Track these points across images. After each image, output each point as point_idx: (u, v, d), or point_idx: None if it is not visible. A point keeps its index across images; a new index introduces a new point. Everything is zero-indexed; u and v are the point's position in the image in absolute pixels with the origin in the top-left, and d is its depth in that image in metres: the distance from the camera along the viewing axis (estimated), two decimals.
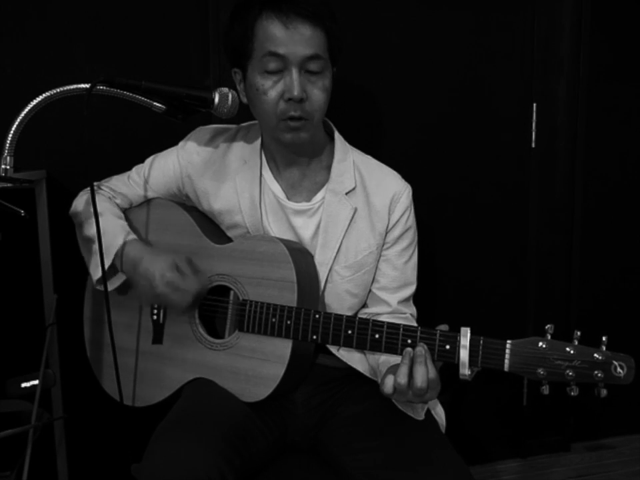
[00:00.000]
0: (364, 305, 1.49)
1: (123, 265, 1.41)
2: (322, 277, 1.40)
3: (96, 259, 1.43)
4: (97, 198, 1.32)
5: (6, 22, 1.77)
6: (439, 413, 1.41)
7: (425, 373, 1.15)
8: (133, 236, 1.43)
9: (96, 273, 1.43)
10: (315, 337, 1.29)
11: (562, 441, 2.40)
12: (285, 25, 1.27)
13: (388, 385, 1.17)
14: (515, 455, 2.36)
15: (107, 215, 1.43)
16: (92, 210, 1.44)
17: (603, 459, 2.35)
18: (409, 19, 2.04)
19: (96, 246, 1.42)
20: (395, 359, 1.26)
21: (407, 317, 1.47)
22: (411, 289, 1.48)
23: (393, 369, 1.20)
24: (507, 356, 1.14)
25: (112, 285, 1.45)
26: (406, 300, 1.48)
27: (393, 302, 1.45)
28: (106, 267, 1.39)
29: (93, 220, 1.42)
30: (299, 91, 1.28)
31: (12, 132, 1.20)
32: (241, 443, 1.26)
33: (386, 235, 1.44)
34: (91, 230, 1.44)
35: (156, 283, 1.34)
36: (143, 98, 1.29)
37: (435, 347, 1.19)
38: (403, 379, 1.16)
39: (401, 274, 1.46)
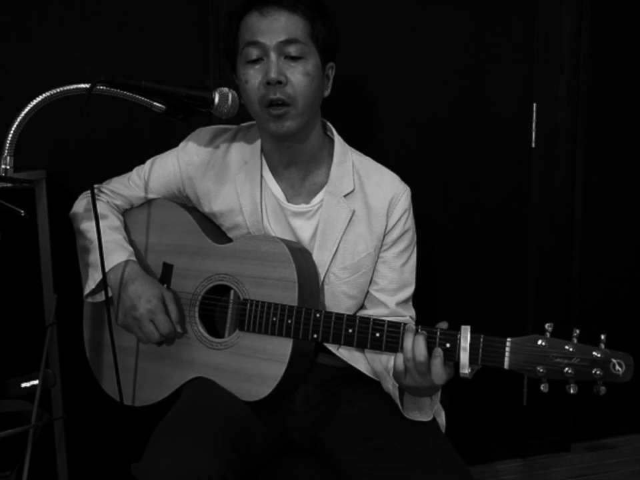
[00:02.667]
0: (362, 307, 1.49)
1: (113, 280, 1.40)
2: (320, 278, 1.40)
3: (88, 272, 1.44)
4: (97, 204, 1.32)
5: (6, 22, 1.78)
6: (439, 413, 1.41)
7: (423, 347, 1.17)
8: (133, 257, 1.43)
9: (86, 287, 1.44)
10: (315, 336, 1.29)
11: (562, 441, 2.40)
12: (262, 14, 1.31)
13: (398, 362, 1.20)
14: (515, 455, 2.36)
15: (103, 229, 1.39)
16: (89, 217, 1.45)
17: (603, 459, 2.35)
18: (409, 19, 2.04)
19: (89, 258, 1.44)
20: None
21: (407, 319, 1.46)
22: (409, 291, 1.48)
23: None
24: (507, 354, 1.14)
25: (98, 298, 1.46)
26: (404, 302, 1.48)
27: (391, 304, 1.45)
28: (96, 282, 1.41)
29: (90, 229, 1.44)
30: (276, 73, 1.29)
31: (12, 132, 1.20)
32: (241, 442, 1.25)
33: (384, 237, 1.44)
34: (86, 241, 1.45)
35: (140, 304, 1.35)
36: (142, 98, 1.29)
37: (435, 345, 1.19)
38: (409, 352, 1.18)
39: (399, 276, 1.46)
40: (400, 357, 1.20)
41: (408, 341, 1.19)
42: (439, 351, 1.17)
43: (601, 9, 2.20)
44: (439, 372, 1.18)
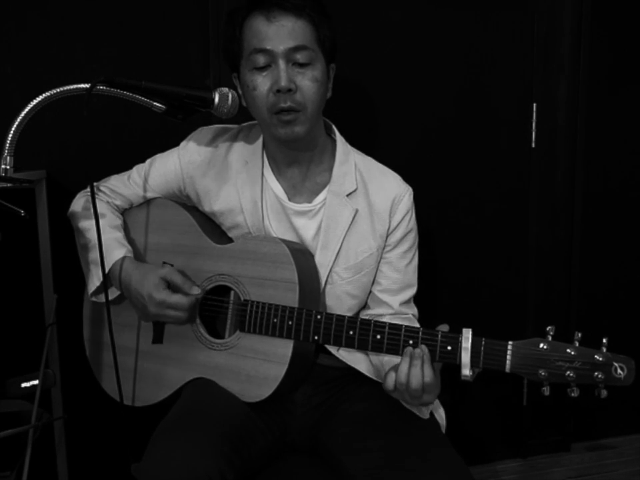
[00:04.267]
0: (365, 307, 1.49)
1: (113, 279, 1.41)
2: (321, 278, 1.40)
3: (91, 270, 1.44)
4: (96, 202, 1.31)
5: (6, 22, 1.77)
6: (440, 413, 1.41)
7: (419, 376, 1.17)
8: (129, 254, 1.43)
9: (90, 285, 1.44)
10: (316, 337, 1.29)
11: (562, 441, 2.40)
12: (268, 19, 1.29)
13: (389, 382, 1.20)
14: (515, 454, 2.36)
15: (102, 227, 1.37)
16: (88, 215, 1.45)
17: (603, 459, 2.35)
18: (409, 20, 2.04)
19: (91, 256, 1.44)
20: (398, 359, 1.26)
21: (409, 317, 1.47)
22: (412, 291, 1.48)
23: (395, 368, 1.22)
24: (508, 357, 1.14)
25: (102, 298, 1.45)
26: (407, 301, 1.48)
27: (395, 304, 1.45)
28: (100, 279, 1.40)
29: (89, 227, 1.44)
30: (286, 81, 1.29)
31: (12, 132, 1.20)
32: (241, 443, 1.26)
33: (387, 238, 1.44)
34: (86, 239, 1.45)
35: (147, 303, 1.35)
36: (143, 98, 1.29)
37: (436, 347, 1.19)
38: (403, 378, 1.18)
39: (403, 276, 1.46)
40: (392, 376, 1.20)
41: (404, 366, 1.19)
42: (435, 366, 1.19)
43: (600, 9, 2.19)
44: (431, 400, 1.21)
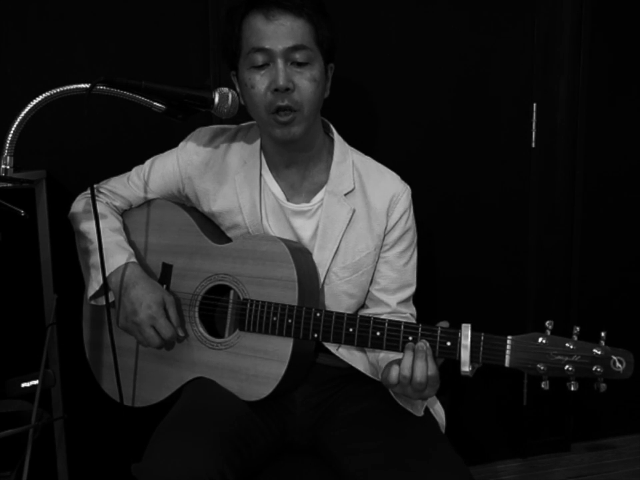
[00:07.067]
0: (363, 306, 1.49)
1: (114, 283, 1.40)
2: (319, 277, 1.40)
3: (91, 274, 1.43)
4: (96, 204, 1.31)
5: (6, 22, 1.78)
6: (439, 413, 1.41)
7: (424, 369, 1.17)
8: (133, 258, 1.43)
9: (89, 289, 1.44)
10: (316, 335, 1.29)
11: (562, 441, 2.40)
12: (267, 18, 1.29)
13: (393, 375, 1.19)
14: (515, 454, 2.36)
15: (103, 230, 1.37)
16: (89, 218, 1.45)
17: (603, 459, 2.35)
18: (409, 19, 2.04)
19: (91, 260, 1.44)
20: (394, 355, 1.26)
21: (407, 316, 1.47)
22: (410, 290, 1.48)
23: (396, 362, 1.22)
24: (507, 352, 1.15)
25: (101, 302, 1.45)
26: (405, 301, 1.48)
27: (393, 303, 1.45)
28: (100, 284, 1.40)
29: (90, 230, 1.44)
30: (284, 81, 1.29)
31: (12, 132, 1.20)
32: (241, 442, 1.25)
33: (385, 237, 1.44)
34: (87, 242, 1.45)
35: (140, 310, 1.35)
36: (142, 98, 1.29)
37: (436, 343, 1.20)
38: (407, 371, 1.18)
39: (401, 275, 1.46)
40: (396, 370, 1.20)
41: (407, 359, 1.19)
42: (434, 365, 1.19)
43: (601, 8, 2.20)
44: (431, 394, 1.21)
